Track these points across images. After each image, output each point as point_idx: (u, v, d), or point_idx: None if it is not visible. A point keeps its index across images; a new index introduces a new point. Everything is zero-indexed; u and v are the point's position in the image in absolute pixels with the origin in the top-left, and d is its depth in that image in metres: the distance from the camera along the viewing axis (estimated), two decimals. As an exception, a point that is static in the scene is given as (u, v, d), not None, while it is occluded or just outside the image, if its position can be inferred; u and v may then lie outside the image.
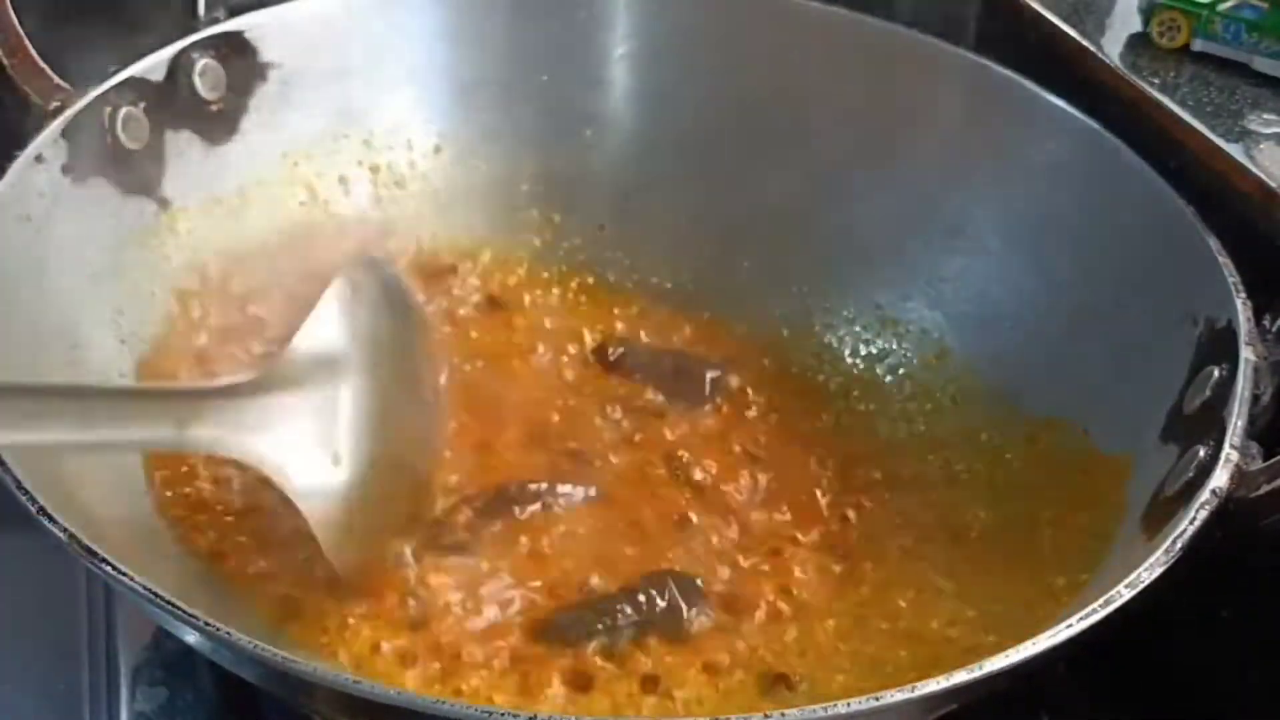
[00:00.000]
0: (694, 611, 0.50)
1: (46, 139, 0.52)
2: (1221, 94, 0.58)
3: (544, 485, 0.54)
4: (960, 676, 0.37)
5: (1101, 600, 0.39)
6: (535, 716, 0.36)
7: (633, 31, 0.66)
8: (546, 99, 0.66)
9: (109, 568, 0.38)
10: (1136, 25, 0.62)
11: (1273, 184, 0.52)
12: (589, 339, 0.63)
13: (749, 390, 0.61)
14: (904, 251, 0.62)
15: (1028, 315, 0.58)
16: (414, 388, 0.53)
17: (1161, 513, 0.44)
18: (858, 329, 0.63)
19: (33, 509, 0.39)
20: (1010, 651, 0.38)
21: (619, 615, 0.49)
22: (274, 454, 0.45)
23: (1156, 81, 0.59)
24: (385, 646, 0.47)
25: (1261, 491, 0.42)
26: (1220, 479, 0.43)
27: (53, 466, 0.44)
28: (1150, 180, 0.54)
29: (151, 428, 0.42)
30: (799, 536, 0.54)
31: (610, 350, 0.62)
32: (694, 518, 0.54)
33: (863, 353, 0.62)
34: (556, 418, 0.58)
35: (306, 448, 0.46)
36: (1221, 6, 0.60)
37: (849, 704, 0.36)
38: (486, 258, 0.65)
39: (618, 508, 0.54)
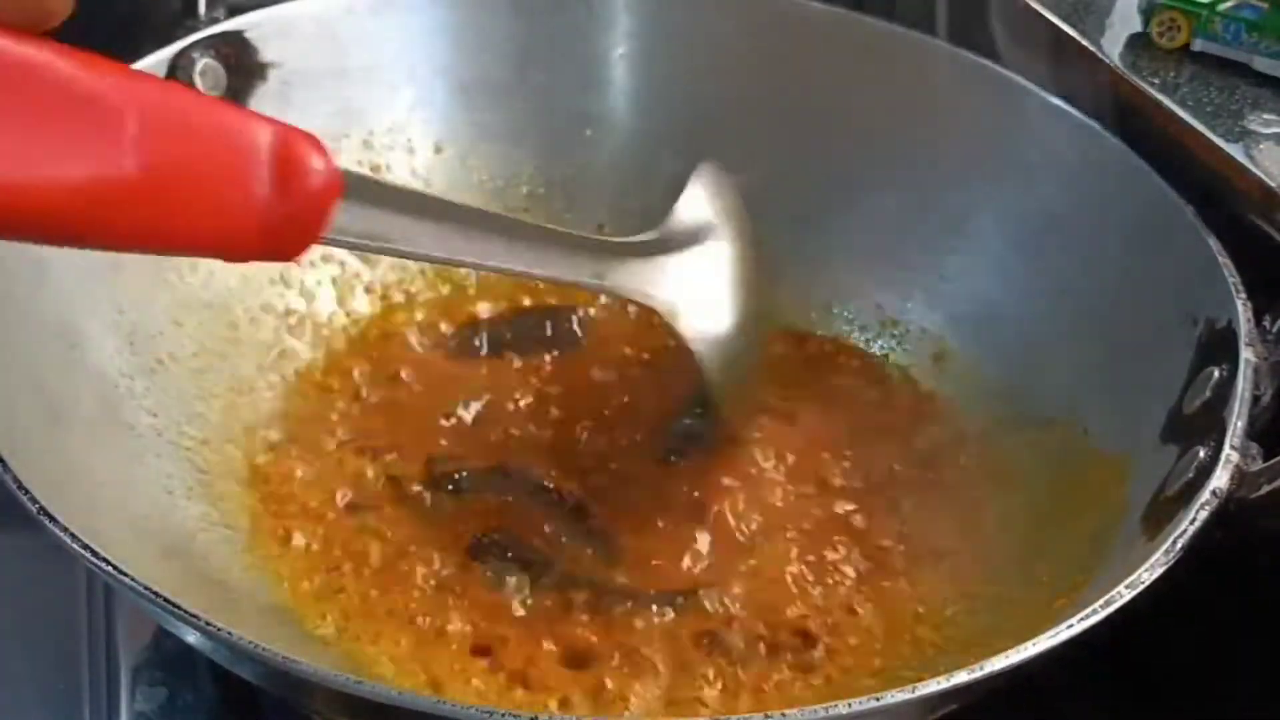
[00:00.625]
0: None
1: (46, 139, 0.51)
2: (1221, 94, 0.58)
3: None
4: (960, 676, 0.37)
5: (1101, 600, 0.39)
6: (536, 717, 0.36)
7: (633, 31, 0.66)
8: (546, 99, 0.66)
9: (109, 567, 0.38)
10: (1136, 25, 0.62)
11: (1273, 184, 0.52)
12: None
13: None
14: (904, 251, 0.62)
15: (1028, 315, 0.58)
16: (753, 272, 0.57)
17: (1161, 513, 0.44)
18: (857, 329, 0.63)
19: (33, 509, 0.40)
20: (1010, 651, 0.38)
21: None
22: (671, 302, 0.51)
23: (1156, 81, 0.59)
24: None
25: (1262, 492, 0.42)
26: (1220, 479, 0.43)
27: (54, 465, 0.44)
28: (1150, 180, 0.54)
29: (574, 269, 0.48)
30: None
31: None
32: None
33: (863, 353, 0.62)
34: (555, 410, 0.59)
35: (697, 297, 0.52)
36: (1221, 6, 0.60)
37: (849, 704, 0.36)
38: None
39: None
